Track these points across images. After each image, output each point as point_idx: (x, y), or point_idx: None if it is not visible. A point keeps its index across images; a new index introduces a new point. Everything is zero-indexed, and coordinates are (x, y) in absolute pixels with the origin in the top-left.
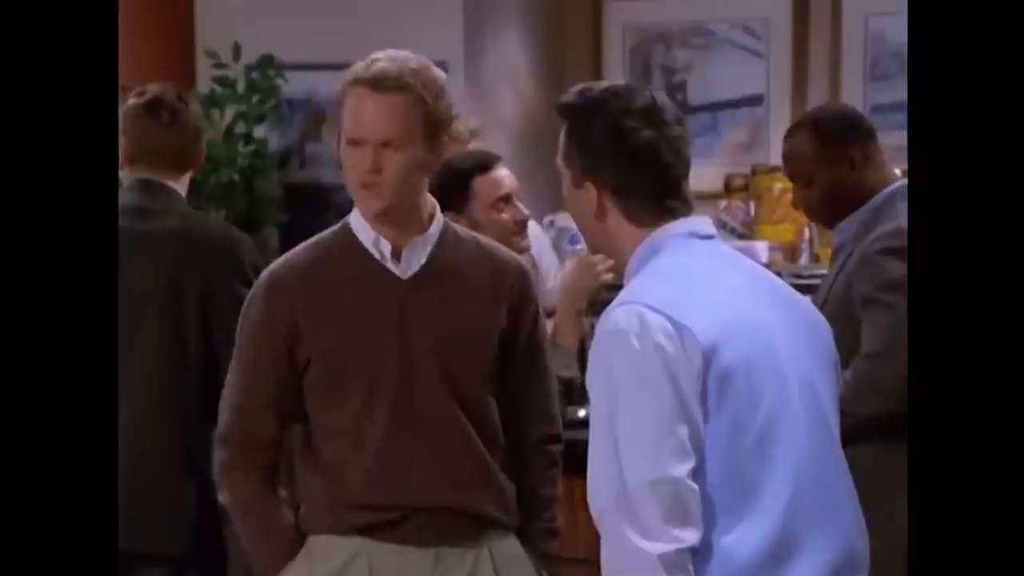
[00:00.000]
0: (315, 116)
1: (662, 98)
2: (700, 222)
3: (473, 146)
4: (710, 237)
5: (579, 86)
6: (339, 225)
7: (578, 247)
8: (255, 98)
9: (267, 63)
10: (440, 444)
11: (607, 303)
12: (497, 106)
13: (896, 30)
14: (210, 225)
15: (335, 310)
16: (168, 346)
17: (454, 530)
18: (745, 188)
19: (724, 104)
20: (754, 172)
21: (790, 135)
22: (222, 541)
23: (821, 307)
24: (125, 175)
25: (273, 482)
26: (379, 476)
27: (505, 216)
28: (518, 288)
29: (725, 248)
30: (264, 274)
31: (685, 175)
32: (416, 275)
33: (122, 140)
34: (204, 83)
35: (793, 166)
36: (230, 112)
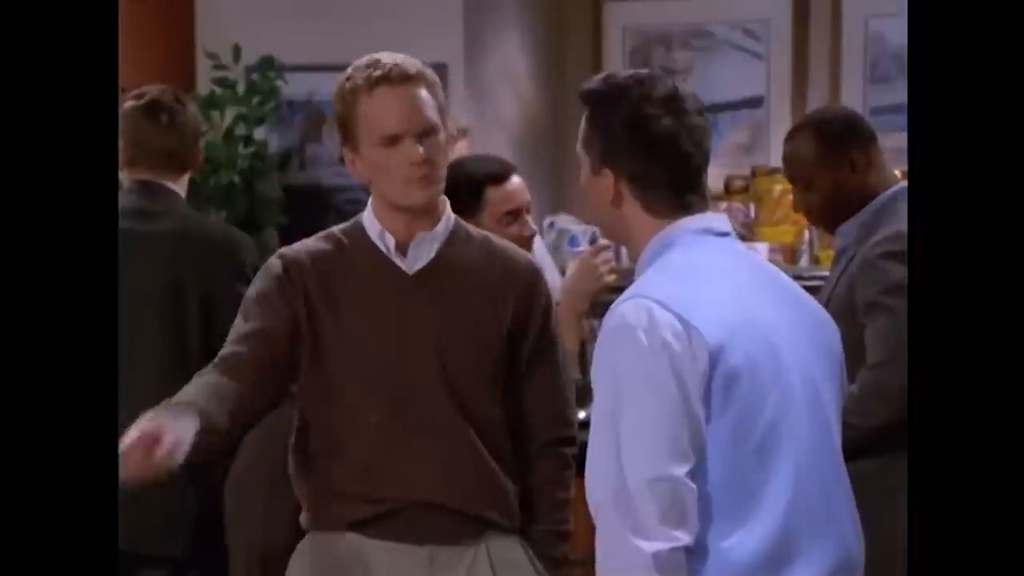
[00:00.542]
0: (315, 118)
1: (684, 88)
2: (716, 219)
3: (461, 146)
4: (725, 234)
5: (602, 74)
6: (352, 221)
7: (578, 250)
8: (255, 100)
9: (267, 64)
10: (438, 442)
11: (608, 305)
12: (497, 108)
13: (896, 32)
14: (210, 226)
15: (340, 300)
16: (169, 347)
17: (450, 528)
18: (745, 190)
19: (724, 106)
20: (754, 174)
21: (791, 138)
22: (222, 543)
23: None
24: (124, 177)
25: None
26: (373, 470)
27: (513, 230)
28: (528, 286)
29: (739, 246)
30: (278, 253)
31: (704, 166)
32: (422, 271)
33: (120, 142)
34: (204, 84)
35: (794, 169)
36: (230, 114)
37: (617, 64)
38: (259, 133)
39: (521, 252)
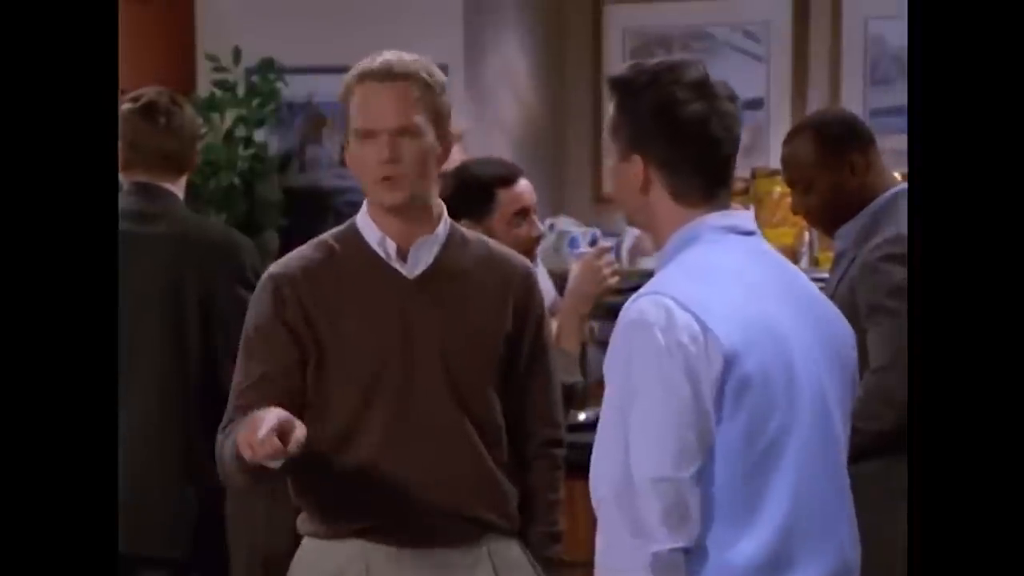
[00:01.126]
0: (315, 119)
1: (714, 76)
2: (742, 216)
3: (458, 149)
4: (750, 233)
5: (631, 62)
6: (345, 225)
7: (579, 251)
8: (255, 102)
9: (267, 67)
10: (441, 446)
11: (612, 307)
12: (497, 109)
13: (896, 34)
14: (209, 228)
15: (338, 307)
16: (169, 349)
17: (453, 533)
18: (745, 192)
19: None
20: (754, 176)
21: (790, 140)
22: (223, 545)
23: None
24: (122, 179)
25: None
26: (377, 476)
27: (522, 231)
28: (524, 290)
29: (763, 245)
30: (269, 269)
31: (734, 154)
32: (422, 275)
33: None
34: (204, 87)
35: (792, 171)
36: (230, 116)
37: (618, 66)
38: (259, 135)
39: (517, 255)
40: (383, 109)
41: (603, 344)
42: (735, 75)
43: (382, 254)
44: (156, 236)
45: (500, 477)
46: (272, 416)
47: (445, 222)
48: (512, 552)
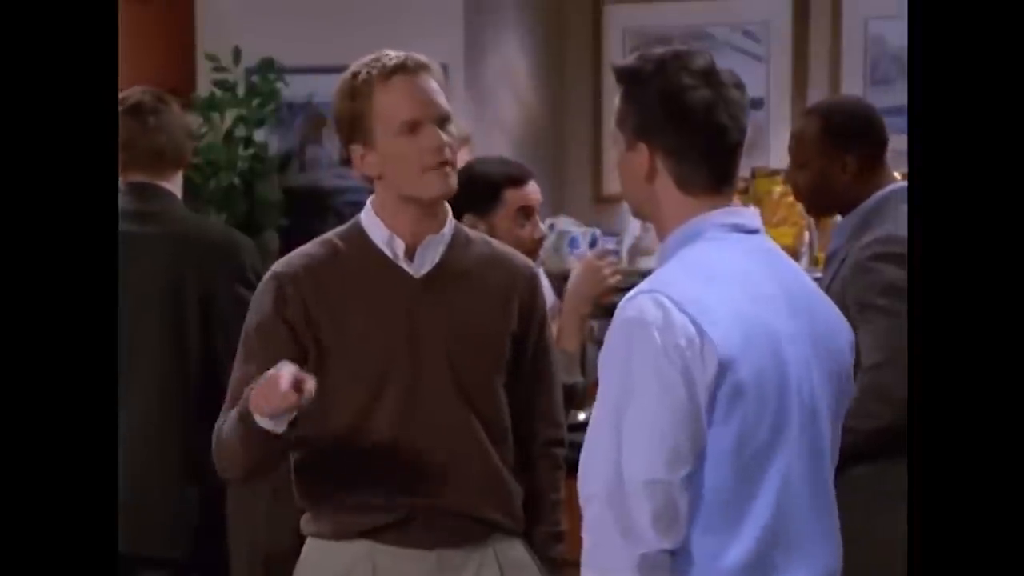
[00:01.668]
0: (315, 120)
1: (721, 65)
2: (746, 214)
3: (463, 154)
4: (755, 232)
5: (637, 52)
6: (349, 224)
7: (579, 251)
8: (255, 102)
9: (267, 67)
10: (448, 446)
11: (611, 307)
12: (497, 109)
13: (896, 34)
14: (209, 227)
15: (343, 306)
16: (169, 349)
17: (459, 533)
18: (745, 191)
19: None
20: (754, 175)
21: (804, 115)
22: (224, 544)
23: None
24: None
25: None
26: (384, 477)
27: (526, 232)
28: (528, 290)
29: (766, 244)
30: (273, 267)
31: (741, 143)
32: (429, 274)
33: None
34: (204, 87)
35: (795, 144)
36: (230, 116)
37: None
38: (259, 135)
39: (521, 255)
40: (427, 98)
41: (602, 344)
42: None
43: (389, 253)
44: (155, 236)
45: (506, 476)
46: (288, 368)
47: (450, 221)
48: (517, 552)
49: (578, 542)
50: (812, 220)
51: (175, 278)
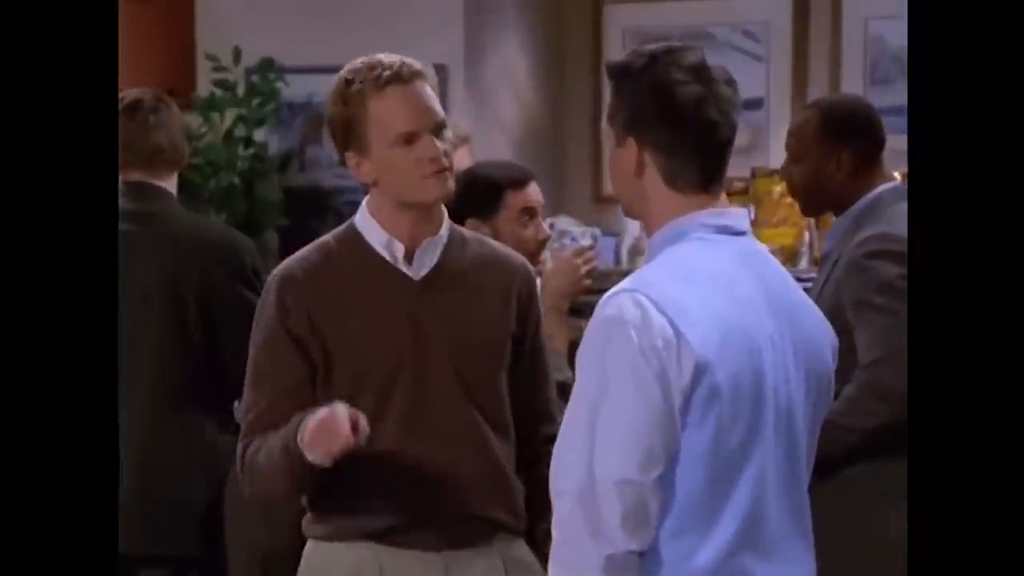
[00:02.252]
0: (315, 119)
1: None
2: (734, 215)
3: (462, 152)
4: (741, 233)
5: (630, 48)
6: (344, 227)
7: (555, 246)
8: (255, 101)
9: (267, 66)
10: (455, 446)
11: (591, 305)
12: (497, 110)
13: (896, 34)
14: (208, 227)
15: (345, 311)
16: (170, 349)
17: (466, 534)
18: (745, 191)
19: None
20: (754, 175)
21: (805, 109)
22: (223, 543)
23: None
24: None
25: None
26: (390, 479)
27: (529, 232)
28: (525, 289)
29: (753, 246)
30: (273, 274)
31: (731, 140)
32: (427, 276)
33: None
34: (204, 86)
35: (793, 137)
36: (230, 115)
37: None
38: (259, 135)
39: (517, 255)
40: (422, 106)
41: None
42: (735, 75)
43: (387, 256)
44: (154, 235)
45: (510, 475)
46: (342, 410)
47: (446, 223)
48: (520, 551)
49: None
50: (812, 220)
51: (175, 277)
